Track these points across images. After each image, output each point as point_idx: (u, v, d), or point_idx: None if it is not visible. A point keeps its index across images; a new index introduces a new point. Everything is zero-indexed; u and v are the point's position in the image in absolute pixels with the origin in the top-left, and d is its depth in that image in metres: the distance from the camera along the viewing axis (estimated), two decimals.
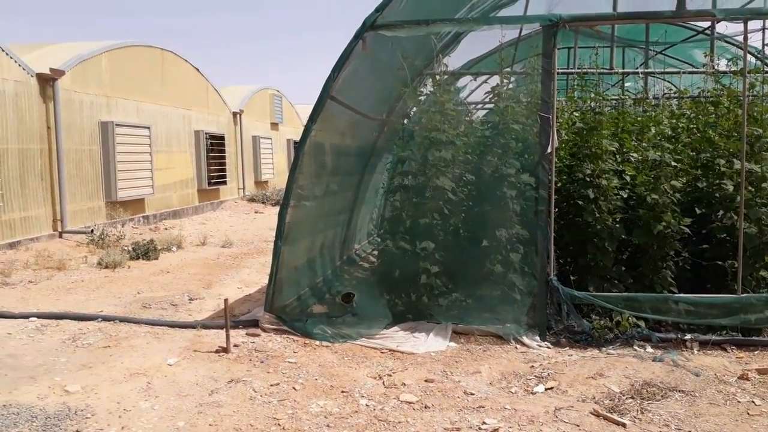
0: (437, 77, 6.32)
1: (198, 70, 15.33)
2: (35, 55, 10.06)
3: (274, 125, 21.97)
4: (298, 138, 24.87)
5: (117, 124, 11.23)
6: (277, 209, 17.55)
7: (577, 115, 6.64)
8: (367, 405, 4.00)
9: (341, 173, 7.36)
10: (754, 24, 5.76)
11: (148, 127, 12.39)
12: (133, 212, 11.90)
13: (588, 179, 5.97)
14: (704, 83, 7.05)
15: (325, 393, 4.21)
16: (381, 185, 10.02)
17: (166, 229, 12.35)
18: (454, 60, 8.47)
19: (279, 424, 3.70)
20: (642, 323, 5.28)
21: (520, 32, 10.00)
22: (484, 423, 3.72)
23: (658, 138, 6.29)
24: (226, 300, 5.11)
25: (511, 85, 6.44)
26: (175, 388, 4.21)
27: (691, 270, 6.01)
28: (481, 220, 5.97)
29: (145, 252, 8.93)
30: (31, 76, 9.34)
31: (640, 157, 6.28)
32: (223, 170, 16.36)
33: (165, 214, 13.36)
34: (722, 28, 7.72)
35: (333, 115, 5.92)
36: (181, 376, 4.43)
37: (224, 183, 16.43)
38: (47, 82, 9.62)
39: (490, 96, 6.54)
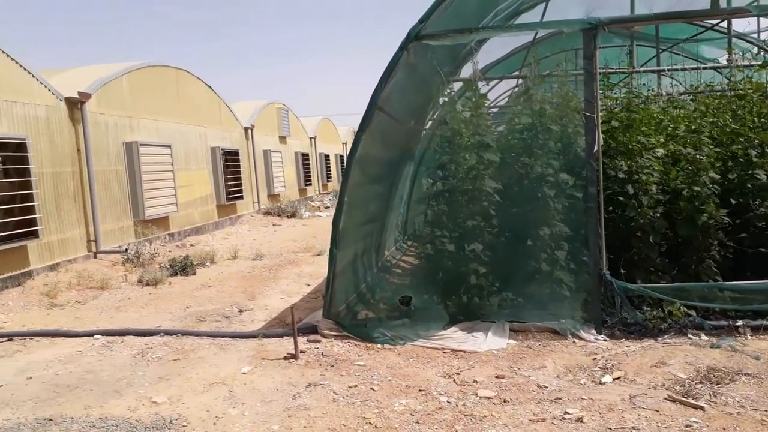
0: (471, 82, 6.53)
1: (211, 87, 15.53)
2: (58, 80, 10.21)
3: (282, 138, 22.17)
4: (305, 150, 25.10)
5: (141, 144, 11.41)
6: (292, 221, 17.82)
7: (607, 113, 6.83)
8: (448, 402, 4.15)
9: (378, 181, 7.53)
10: None
11: (169, 146, 12.56)
12: (159, 230, 12.04)
13: (626, 176, 6.15)
14: (728, 77, 7.24)
15: (403, 392, 4.35)
16: (402, 194, 10.22)
17: (191, 245, 12.49)
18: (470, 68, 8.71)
19: (370, 423, 3.84)
20: (693, 312, 5.44)
21: (535, 36, 10.26)
22: (566, 413, 3.87)
23: (688, 133, 6.48)
24: (291, 308, 5.27)
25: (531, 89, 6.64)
26: (257, 395, 4.35)
27: (732, 258, 6.18)
28: (524, 220, 6.12)
29: (182, 268, 9.07)
30: (60, 100, 9.51)
31: (666, 153, 6.46)
32: (239, 185, 16.52)
33: (188, 230, 13.51)
34: (740, 25, 7.94)
35: (376, 125, 6.09)
36: (259, 383, 4.58)
37: (241, 198, 16.59)
38: (75, 105, 9.79)
39: (523, 98, 6.75)
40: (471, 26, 6.26)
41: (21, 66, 8.60)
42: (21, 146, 8.24)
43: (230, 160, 16.08)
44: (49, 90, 9.24)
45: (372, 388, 4.41)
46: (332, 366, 4.91)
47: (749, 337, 5.14)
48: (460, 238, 6.06)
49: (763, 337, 5.13)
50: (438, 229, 6.34)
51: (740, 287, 5.37)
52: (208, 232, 14.52)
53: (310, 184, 25.24)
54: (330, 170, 29.75)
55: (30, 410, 4.14)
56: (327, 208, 22.76)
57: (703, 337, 5.20)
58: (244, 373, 4.79)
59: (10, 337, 6.02)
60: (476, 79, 6.27)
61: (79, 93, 9.71)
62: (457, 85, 8.08)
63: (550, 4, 8.36)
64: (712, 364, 4.55)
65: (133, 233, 11.28)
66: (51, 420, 3.97)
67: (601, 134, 5.18)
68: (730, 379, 4.25)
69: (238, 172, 16.54)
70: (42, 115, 9.03)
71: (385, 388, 4.43)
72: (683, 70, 9.11)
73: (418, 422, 3.84)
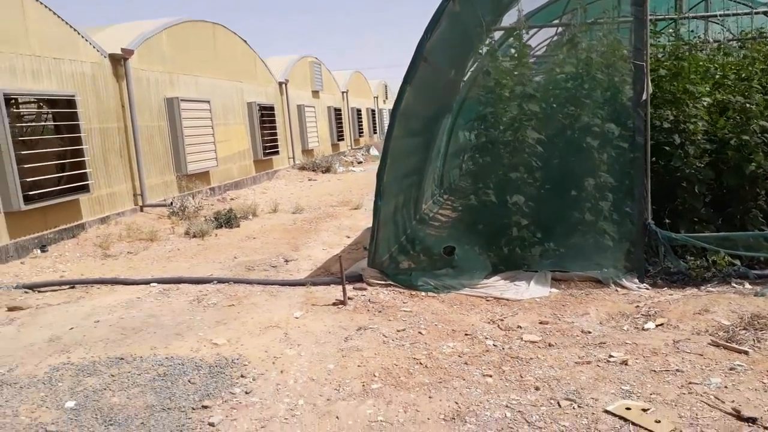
0: (515, 32, 6.45)
1: (246, 42, 15.55)
2: (100, 37, 10.36)
3: (315, 93, 22.16)
4: (337, 105, 25.12)
5: (182, 100, 11.59)
6: (327, 176, 18.02)
7: (654, 62, 6.68)
8: (494, 345, 4.30)
9: (419, 134, 7.57)
10: None
11: (208, 101, 12.73)
12: (200, 184, 12.34)
13: (672, 125, 6.08)
14: None
15: (449, 336, 4.52)
16: (440, 147, 10.22)
17: (232, 199, 12.79)
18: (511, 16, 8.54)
19: (420, 363, 4.03)
20: (737, 261, 5.45)
21: None
22: (611, 356, 3.99)
23: (738, 81, 6.33)
24: (340, 257, 5.46)
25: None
26: (311, 337, 4.57)
27: None
28: (567, 171, 6.13)
29: (227, 220, 9.35)
30: (105, 57, 9.69)
31: (713, 101, 6.33)
32: (275, 140, 16.69)
33: (228, 185, 13.79)
34: None
35: (420, 77, 6.09)
36: (311, 326, 4.79)
37: (277, 153, 16.78)
38: (118, 62, 9.97)
39: (567, 47, 6.65)
40: None
41: (67, 24, 8.76)
42: (70, 103, 8.48)
43: (266, 115, 16.21)
44: (94, 47, 9.41)
45: (419, 332, 4.59)
46: (379, 311, 5.10)
47: None
48: (503, 190, 6.12)
49: None
50: (480, 181, 6.40)
51: None
52: (246, 186, 14.80)
53: (343, 139, 25.31)
54: (362, 125, 29.70)
55: (102, 350, 4.44)
56: (360, 163, 22.86)
57: (747, 285, 5.22)
58: (297, 318, 5.01)
59: (72, 284, 6.36)
60: (522, 27, 6.18)
61: (122, 49, 9.87)
62: (497, 35, 7.98)
63: None
64: (756, 311, 4.59)
65: (176, 187, 11.59)
66: (122, 359, 4.25)
67: (650, 83, 5.11)
68: None
69: (274, 127, 16.69)
70: (88, 72, 9.24)
71: (432, 332, 4.61)
72: (735, 15, 8.78)
73: (466, 363, 4.01)
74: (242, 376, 3.95)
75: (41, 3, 8.32)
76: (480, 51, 8.41)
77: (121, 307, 5.46)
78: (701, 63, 6.68)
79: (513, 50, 6.70)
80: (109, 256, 7.93)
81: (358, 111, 29.00)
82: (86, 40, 9.22)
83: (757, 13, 9.38)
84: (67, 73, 8.73)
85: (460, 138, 12.59)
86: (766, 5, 11.54)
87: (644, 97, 5.12)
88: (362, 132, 29.63)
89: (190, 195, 11.58)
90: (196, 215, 10.06)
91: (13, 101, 7.84)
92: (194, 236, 8.84)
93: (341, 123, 25.09)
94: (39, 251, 7.88)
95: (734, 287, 5.21)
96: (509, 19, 8.24)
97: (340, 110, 25.09)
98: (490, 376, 3.80)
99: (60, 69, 8.60)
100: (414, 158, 7.68)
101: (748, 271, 5.36)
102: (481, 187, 6.40)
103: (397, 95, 5.67)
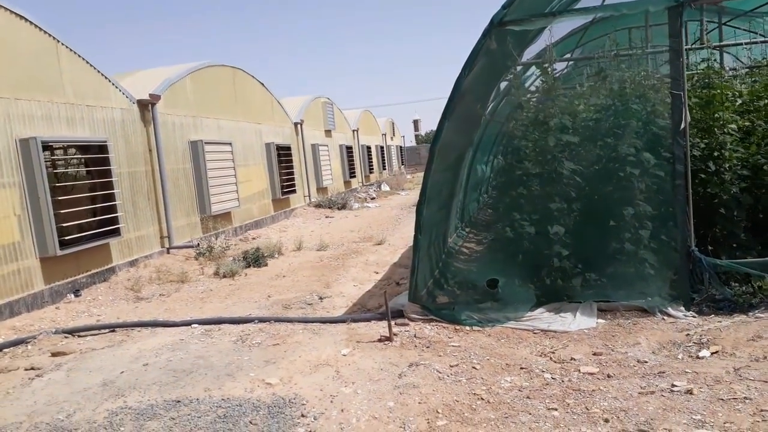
0: (545, 66, 6.57)
1: (263, 84, 15.84)
2: (127, 82, 10.61)
3: (328, 132, 22.45)
4: (348, 143, 25.44)
5: (205, 142, 11.77)
6: (343, 213, 18.10)
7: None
8: (552, 378, 4.26)
9: (449, 169, 7.65)
10: None
11: (230, 143, 12.91)
12: (223, 225, 12.42)
13: (703, 153, 6.13)
14: None
15: (505, 370, 4.48)
16: (462, 180, 10.28)
17: (253, 238, 12.84)
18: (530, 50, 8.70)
19: (482, 399, 3.99)
20: None
21: (594, 18, 10.15)
22: (674, 386, 3.94)
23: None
24: (385, 293, 5.45)
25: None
26: (363, 375, 4.54)
27: None
28: (605, 201, 6.15)
29: (255, 260, 9.38)
30: (133, 102, 9.89)
31: (740, 127, 6.39)
32: (292, 179, 16.84)
33: (249, 224, 13.87)
34: None
35: (456, 112, 6.19)
36: (361, 363, 4.77)
37: (294, 191, 16.92)
38: (146, 107, 10.17)
39: (596, 79, 6.76)
40: (541, 11, 6.31)
41: (98, 72, 8.98)
42: (102, 148, 8.63)
43: (283, 155, 16.41)
44: (123, 93, 9.62)
45: (474, 367, 4.55)
46: (427, 347, 5.07)
47: None
48: (540, 221, 6.14)
49: None
50: (517, 212, 6.43)
51: None
52: (265, 225, 14.88)
53: (354, 176, 25.51)
54: (372, 161, 29.97)
55: (156, 393, 4.42)
56: (373, 199, 22.97)
57: None
58: (345, 355, 4.99)
59: (113, 328, 6.37)
60: (552, 61, 6.30)
61: (150, 95, 10.09)
62: (519, 68, 8.12)
63: None
64: None
65: (200, 228, 11.67)
66: (179, 401, 4.23)
67: (688, 111, 5.18)
68: None
69: (291, 167, 16.86)
70: (118, 118, 9.42)
71: (486, 366, 4.57)
72: (759, 43, 8.89)
73: (528, 397, 3.97)
74: (303, 416, 3.92)
75: (74, 52, 8.55)
76: (501, 86, 8.57)
77: (167, 350, 5.45)
78: (730, 92, 6.77)
79: (540, 82, 6.84)
80: (142, 299, 7.95)
81: (368, 148, 29.29)
82: (116, 87, 9.43)
83: None
84: (99, 120, 8.91)
85: (478, 172, 12.71)
86: None
87: (683, 126, 5.18)
88: (372, 168, 29.87)
89: (214, 235, 11.66)
90: (223, 255, 10.10)
91: (48, 148, 7.98)
92: (224, 276, 8.86)
93: (353, 160, 25.33)
94: (72, 296, 7.91)
95: None
96: (529, 53, 8.44)
97: (351, 148, 25.35)
98: (556, 409, 3.75)
99: (93, 116, 8.78)
100: (445, 192, 7.74)
101: None
102: (518, 219, 6.42)
103: (436, 130, 5.76)
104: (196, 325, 6.19)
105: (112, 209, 8.73)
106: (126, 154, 9.56)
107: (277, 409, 4.03)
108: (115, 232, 8.76)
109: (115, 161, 8.92)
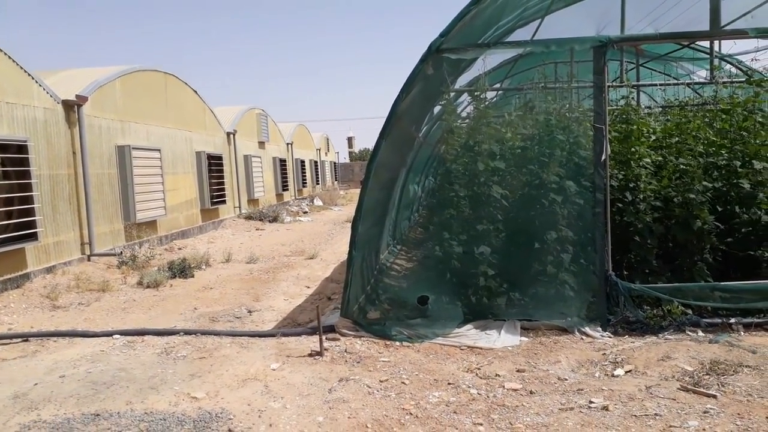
0: (476, 93, 6.85)
1: (196, 92, 15.54)
2: (52, 81, 10.16)
3: (261, 144, 22.22)
4: (282, 156, 25.28)
5: (133, 148, 11.40)
6: (275, 226, 17.91)
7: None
8: (478, 393, 4.40)
9: (384, 187, 7.77)
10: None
11: (159, 150, 12.57)
12: (148, 233, 12.02)
13: (622, 183, 6.55)
14: (715, 92, 7.72)
15: (433, 386, 4.59)
16: (395, 199, 10.46)
17: (179, 248, 12.50)
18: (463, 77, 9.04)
19: (410, 413, 4.07)
20: (689, 311, 5.83)
21: (522, 52, 10.65)
22: (591, 402, 4.16)
23: (680, 144, 6.93)
24: (318, 307, 5.46)
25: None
26: (293, 389, 4.52)
27: (720, 260, 6.61)
28: (530, 225, 6.44)
29: (181, 270, 9.13)
30: (58, 103, 9.48)
31: (653, 161, 6.87)
32: (222, 190, 16.54)
33: (175, 234, 13.49)
34: (726, 45, 8.50)
35: (392, 133, 6.33)
36: (291, 378, 4.75)
37: (224, 202, 16.60)
38: (72, 108, 9.77)
39: (524, 109, 7.09)
40: (476, 41, 6.57)
41: (22, 68, 8.57)
42: (22, 148, 8.21)
43: (214, 164, 16.11)
44: (48, 93, 9.21)
45: (403, 382, 4.63)
46: (358, 362, 5.11)
47: (742, 333, 5.54)
48: (468, 241, 6.35)
49: (755, 333, 5.54)
50: (447, 232, 6.61)
51: (733, 287, 5.78)
52: (192, 236, 14.51)
53: (287, 190, 25.33)
54: (306, 176, 29.86)
55: (74, 406, 4.23)
56: (305, 213, 22.85)
57: (701, 333, 5.58)
58: (274, 370, 4.95)
59: (26, 337, 6.04)
60: (483, 90, 6.58)
61: (77, 96, 9.70)
62: (453, 94, 8.39)
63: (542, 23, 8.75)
64: (714, 357, 4.92)
65: (124, 236, 11.24)
66: (98, 415, 4.07)
67: (608, 144, 5.53)
68: (733, 371, 4.62)
69: (222, 177, 16.56)
70: (40, 118, 9.00)
71: (415, 382, 4.66)
72: (691, 84, 9.60)
73: (455, 412, 4.08)
74: (230, 430, 3.86)
75: None
76: (434, 110, 8.81)
77: (86, 361, 5.23)
78: (646, 128, 7.28)
79: (472, 108, 7.10)
80: (59, 308, 7.57)
81: (302, 162, 29.18)
82: (40, 85, 9.02)
83: (704, 83, 10.26)
84: (19, 118, 8.48)
85: (411, 191, 12.94)
86: (687, 77, 12.71)
87: (603, 158, 5.52)
88: (305, 182, 29.76)
89: (138, 244, 11.26)
90: (148, 265, 9.78)
91: None
92: (148, 286, 8.58)
93: (286, 173, 25.16)
94: None
95: (689, 335, 5.56)
96: (462, 80, 8.76)
97: (285, 161, 25.18)
98: (481, 424, 3.88)
99: (13, 114, 8.34)
100: (379, 210, 7.85)
101: (700, 320, 5.73)
102: (447, 238, 6.61)
103: (373, 150, 5.86)
104: (117, 336, 5.96)
105: (30, 212, 8.30)
106: (48, 156, 9.13)
107: (203, 424, 3.95)
108: (32, 237, 8.32)
109: (35, 162, 8.50)
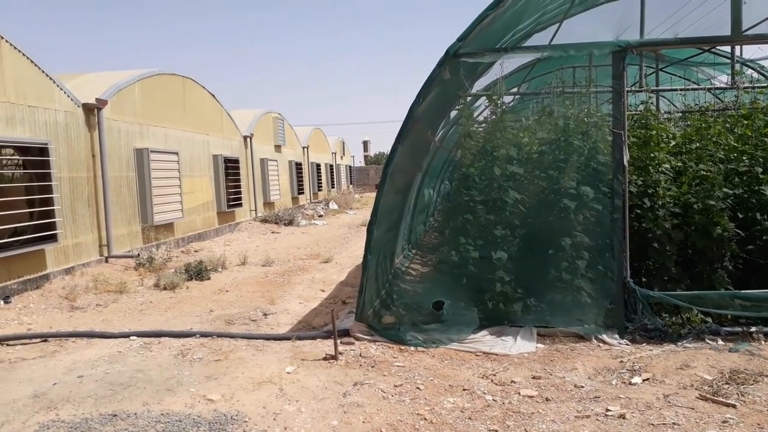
0: (494, 98, 6.82)
1: (214, 96, 15.67)
2: (73, 85, 10.31)
3: (278, 147, 22.34)
4: (298, 159, 25.40)
5: (151, 151, 11.52)
6: (290, 229, 17.95)
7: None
8: (494, 400, 4.37)
9: (400, 192, 7.77)
10: None
11: (177, 153, 12.68)
12: (165, 236, 12.12)
13: (639, 189, 6.48)
14: (735, 97, 7.63)
15: (448, 391, 4.57)
16: (410, 204, 10.46)
17: (196, 251, 12.58)
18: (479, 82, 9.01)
19: (425, 419, 4.05)
20: (708, 319, 5.75)
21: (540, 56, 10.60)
22: (608, 410, 4.12)
23: (699, 150, 6.84)
24: (333, 311, 5.47)
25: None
26: (308, 393, 4.53)
27: (739, 268, 6.51)
28: (547, 231, 6.39)
29: (197, 273, 9.20)
30: (78, 106, 9.61)
31: (672, 167, 6.79)
32: (239, 193, 16.64)
33: (191, 237, 13.59)
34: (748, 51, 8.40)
35: (408, 137, 6.33)
36: (306, 381, 4.76)
37: (240, 205, 16.71)
38: (91, 111, 9.90)
39: (542, 114, 7.06)
40: (494, 45, 6.56)
41: (43, 72, 8.70)
42: (43, 151, 8.33)
43: (231, 167, 16.21)
44: (68, 96, 9.34)
45: (417, 387, 4.62)
46: (372, 366, 5.11)
47: (763, 342, 5.45)
48: (484, 246, 6.32)
49: None
50: (463, 237, 6.59)
51: (754, 296, 5.69)
52: (209, 238, 14.61)
53: (303, 193, 25.42)
54: (321, 179, 29.97)
55: (92, 406, 4.27)
56: (320, 216, 22.92)
57: (720, 342, 5.50)
58: (289, 373, 4.96)
59: (45, 338, 6.11)
60: (501, 94, 6.54)
61: (97, 99, 9.83)
62: (469, 98, 8.37)
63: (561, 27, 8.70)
64: (733, 366, 4.84)
65: (141, 238, 11.35)
66: (116, 416, 4.11)
67: (627, 150, 5.47)
68: (753, 381, 4.54)
69: (238, 180, 16.67)
70: (61, 121, 9.13)
71: (430, 387, 4.64)
72: (712, 89, 9.50)
73: (470, 418, 4.06)
74: None
75: (18, 50, 8.26)
76: (451, 114, 8.79)
77: (104, 362, 5.28)
78: (665, 133, 7.20)
79: (489, 113, 7.08)
80: (77, 309, 7.65)
81: (318, 166, 29.30)
82: (61, 89, 9.15)
83: (720, 89, 10.17)
84: (40, 122, 8.61)
85: (426, 196, 12.92)
86: (707, 82, 12.57)
87: (623, 163, 5.47)
88: (321, 186, 29.86)
89: (155, 246, 11.36)
90: (165, 267, 9.86)
91: None
92: (165, 288, 8.64)
93: (302, 177, 25.26)
94: (2, 302, 7.55)
95: (708, 343, 5.48)
96: (479, 84, 8.73)
97: (300, 164, 25.29)
98: (497, 431, 3.85)
99: (34, 117, 8.47)
100: (394, 214, 7.84)
101: (720, 328, 5.65)
102: (463, 243, 6.58)
103: (389, 154, 5.86)
104: (134, 338, 6.02)
105: (50, 214, 8.41)
106: (68, 159, 9.25)
107: (218, 426, 3.97)
108: (52, 238, 8.43)
109: (55, 165, 8.62)
